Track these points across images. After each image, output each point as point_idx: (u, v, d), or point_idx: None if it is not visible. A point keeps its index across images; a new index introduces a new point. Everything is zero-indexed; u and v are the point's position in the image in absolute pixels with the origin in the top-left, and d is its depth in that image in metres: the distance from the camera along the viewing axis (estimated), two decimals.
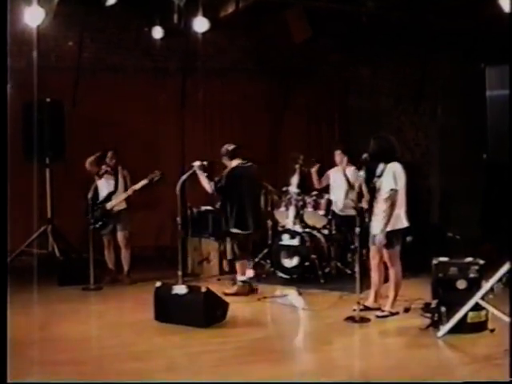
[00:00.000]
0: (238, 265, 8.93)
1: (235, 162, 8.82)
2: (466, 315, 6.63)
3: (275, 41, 12.03)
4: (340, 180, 10.11)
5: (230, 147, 8.90)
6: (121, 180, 9.72)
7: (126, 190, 9.68)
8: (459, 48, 11.24)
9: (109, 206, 9.59)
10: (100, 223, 9.55)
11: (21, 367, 5.72)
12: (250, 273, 8.85)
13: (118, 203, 9.61)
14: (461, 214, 11.63)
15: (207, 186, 8.79)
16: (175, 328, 7.14)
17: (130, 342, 6.82)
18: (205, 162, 8.75)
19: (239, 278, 8.88)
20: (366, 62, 13.13)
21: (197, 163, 8.70)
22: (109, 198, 9.64)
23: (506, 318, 6.17)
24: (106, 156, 9.65)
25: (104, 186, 9.70)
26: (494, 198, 10.96)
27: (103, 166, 9.66)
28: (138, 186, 9.54)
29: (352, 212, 10.04)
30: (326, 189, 10.35)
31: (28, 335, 6.89)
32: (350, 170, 10.05)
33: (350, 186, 10.08)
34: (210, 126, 12.69)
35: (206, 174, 8.74)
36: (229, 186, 8.70)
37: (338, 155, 10.20)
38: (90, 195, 9.60)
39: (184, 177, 8.68)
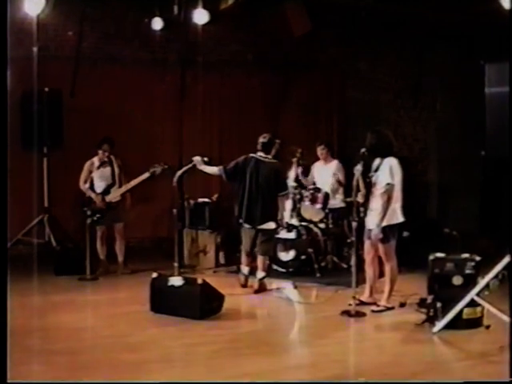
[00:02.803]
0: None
1: (255, 154, 8.75)
2: (461, 311, 6.64)
3: (274, 34, 12.02)
4: (324, 174, 10.22)
5: (260, 139, 8.75)
6: (116, 170, 9.69)
7: (120, 180, 9.67)
8: (459, 44, 11.23)
9: (108, 199, 9.57)
10: (98, 216, 9.52)
11: (17, 356, 5.73)
12: (260, 274, 8.73)
13: (116, 196, 9.60)
14: (458, 209, 11.64)
15: (215, 170, 8.75)
16: (171, 319, 7.15)
17: (125, 332, 6.83)
18: (205, 158, 8.71)
19: (242, 269, 8.88)
20: (364, 56, 13.12)
21: (197, 158, 8.66)
22: (108, 190, 9.62)
23: (506, 318, 6.18)
24: (101, 146, 9.60)
25: (99, 177, 9.65)
26: (492, 194, 10.97)
27: (95, 158, 9.64)
28: (138, 180, 9.48)
29: (340, 205, 10.16)
30: None
31: (24, 324, 6.88)
32: (333, 165, 10.24)
33: (339, 183, 10.12)
34: (209, 118, 12.66)
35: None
36: (234, 172, 8.66)
37: (321, 149, 10.30)
38: (86, 186, 9.58)
39: (182, 170, 8.67)
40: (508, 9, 7.82)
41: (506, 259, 6.37)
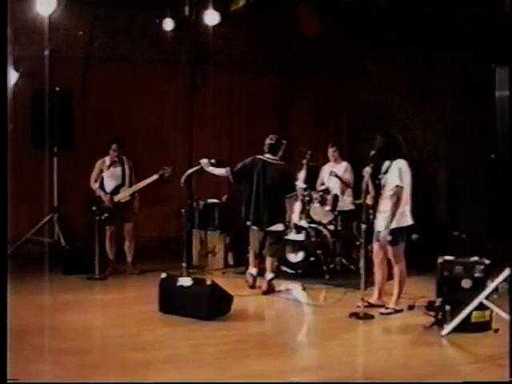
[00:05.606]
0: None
1: (263, 155, 8.73)
2: (470, 314, 6.63)
3: (285, 35, 12.01)
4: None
5: (267, 141, 8.73)
6: (127, 170, 9.71)
7: (130, 180, 9.70)
8: (469, 46, 11.21)
9: (116, 198, 9.59)
10: (106, 215, 9.54)
11: (25, 355, 5.78)
12: (269, 275, 8.74)
13: (125, 196, 9.61)
14: (467, 212, 11.61)
15: (223, 171, 8.76)
16: (179, 320, 7.15)
17: (133, 332, 6.83)
18: (213, 160, 8.72)
19: (250, 269, 8.89)
20: (373, 57, 13.10)
21: (204, 161, 8.68)
22: (117, 190, 9.63)
23: (506, 316, 6.17)
24: (112, 146, 9.62)
25: (110, 176, 9.67)
26: (501, 198, 10.94)
27: (107, 157, 9.66)
28: (147, 182, 9.52)
29: (349, 207, 10.14)
30: None
31: (33, 323, 6.91)
32: (342, 166, 10.24)
33: (345, 184, 10.11)
34: (219, 118, 12.68)
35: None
36: (241, 174, 8.67)
37: (332, 151, 10.29)
38: (97, 185, 9.61)
39: (190, 171, 8.68)
40: None
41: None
